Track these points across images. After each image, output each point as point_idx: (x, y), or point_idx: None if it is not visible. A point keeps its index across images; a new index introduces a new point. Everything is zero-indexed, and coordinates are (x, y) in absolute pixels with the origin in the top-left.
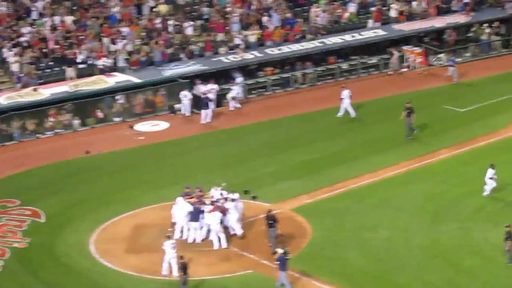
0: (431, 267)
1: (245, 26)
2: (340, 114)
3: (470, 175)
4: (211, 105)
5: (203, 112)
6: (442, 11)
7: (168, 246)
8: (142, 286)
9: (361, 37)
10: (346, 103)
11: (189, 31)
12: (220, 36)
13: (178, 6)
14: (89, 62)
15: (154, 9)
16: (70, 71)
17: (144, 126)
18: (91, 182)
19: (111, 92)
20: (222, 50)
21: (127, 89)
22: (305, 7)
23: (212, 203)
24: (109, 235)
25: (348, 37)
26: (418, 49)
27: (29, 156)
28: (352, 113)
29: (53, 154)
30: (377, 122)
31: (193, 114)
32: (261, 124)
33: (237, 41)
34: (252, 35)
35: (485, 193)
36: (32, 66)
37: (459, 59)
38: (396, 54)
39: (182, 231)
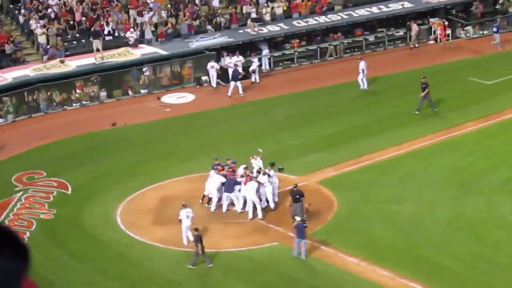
0: (456, 240)
1: None
2: (364, 87)
3: (496, 149)
4: (240, 78)
5: (232, 83)
6: None
7: (183, 215)
8: (168, 258)
9: (388, 9)
10: (361, 75)
11: (215, 3)
12: (246, 8)
13: None
14: (116, 34)
15: None
16: (96, 43)
17: (171, 98)
18: (117, 154)
19: (138, 64)
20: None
21: (154, 61)
22: None
23: (246, 174)
24: (135, 207)
25: (375, 9)
26: (438, 20)
27: (56, 127)
28: (364, 85)
29: (80, 126)
30: (402, 96)
31: (220, 86)
32: (287, 97)
33: (253, 15)
34: (279, 7)
35: None
36: (59, 38)
37: (486, 31)
38: (415, 27)
39: (216, 204)
